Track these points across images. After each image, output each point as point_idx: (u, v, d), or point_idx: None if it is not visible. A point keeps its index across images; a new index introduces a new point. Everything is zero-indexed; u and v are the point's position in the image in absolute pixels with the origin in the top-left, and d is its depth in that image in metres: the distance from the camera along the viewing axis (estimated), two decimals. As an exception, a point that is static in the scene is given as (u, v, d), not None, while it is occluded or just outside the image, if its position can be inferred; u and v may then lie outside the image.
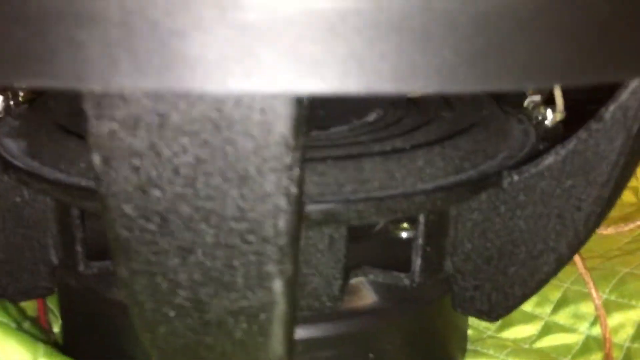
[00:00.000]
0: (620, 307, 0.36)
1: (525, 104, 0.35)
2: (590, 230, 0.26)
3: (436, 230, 0.28)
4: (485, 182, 0.26)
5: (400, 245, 0.31)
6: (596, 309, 0.36)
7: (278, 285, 0.19)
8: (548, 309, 0.38)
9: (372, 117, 0.33)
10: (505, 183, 0.27)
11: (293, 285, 0.20)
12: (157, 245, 0.18)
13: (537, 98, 0.35)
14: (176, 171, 0.17)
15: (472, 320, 0.35)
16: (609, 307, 0.36)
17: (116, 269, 0.19)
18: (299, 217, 0.19)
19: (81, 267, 0.28)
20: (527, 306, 0.39)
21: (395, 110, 0.34)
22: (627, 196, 0.56)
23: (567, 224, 0.26)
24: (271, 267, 0.19)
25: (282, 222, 0.18)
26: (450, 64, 0.15)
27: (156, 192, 0.17)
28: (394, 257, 0.30)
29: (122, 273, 0.19)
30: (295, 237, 0.19)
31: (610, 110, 0.24)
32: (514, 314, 0.39)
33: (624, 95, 0.23)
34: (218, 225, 0.18)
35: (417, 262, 0.28)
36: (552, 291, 0.38)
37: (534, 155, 0.27)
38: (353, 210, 0.24)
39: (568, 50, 0.15)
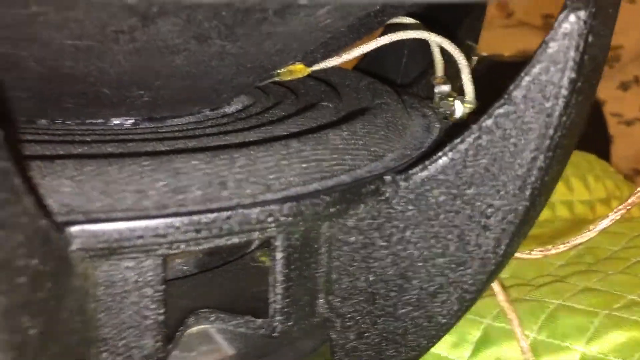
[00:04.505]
0: (551, 349, 0.29)
1: (435, 96, 0.29)
2: (502, 257, 0.18)
3: (302, 258, 0.20)
4: (361, 191, 0.19)
5: (258, 279, 0.23)
6: (522, 352, 0.29)
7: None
8: (466, 351, 0.31)
9: (234, 107, 0.26)
10: (388, 192, 0.19)
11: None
12: None
13: (446, 88, 0.28)
14: None
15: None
16: (539, 350, 0.29)
17: None
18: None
19: None
20: (441, 348, 0.32)
21: (267, 99, 0.27)
22: (560, 210, 0.50)
23: (472, 248, 0.19)
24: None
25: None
26: None
27: None
28: (251, 295, 0.23)
29: None
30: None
31: (522, 86, 0.17)
32: (425, 358, 0.32)
33: (541, 64, 0.16)
34: None
35: (276, 303, 0.21)
36: (471, 329, 0.31)
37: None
38: (152, 234, 0.16)
39: None
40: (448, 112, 0.28)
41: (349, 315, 0.21)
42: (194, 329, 0.21)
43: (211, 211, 0.16)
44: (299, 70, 0.26)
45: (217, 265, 0.25)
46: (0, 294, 0.11)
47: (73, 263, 0.15)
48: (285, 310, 0.21)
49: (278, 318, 0.21)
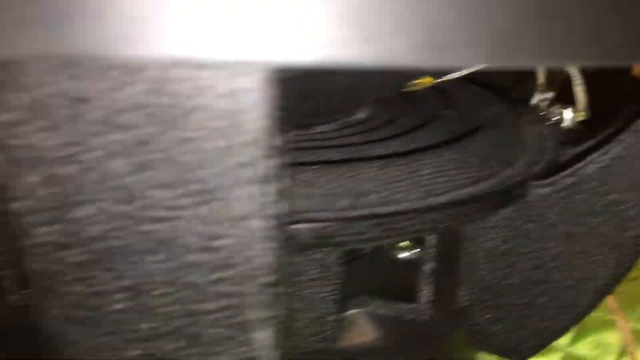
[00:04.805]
0: (651, 337, 0.32)
1: (535, 102, 0.31)
2: (637, 257, 0.21)
3: (448, 253, 0.23)
4: (509, 195, 0.22)
5: (403, 269, 0.26)
6: (623, 339, 0.31)
7: (262, 338, 0.15)
8: (566, 338, 0.33)
9: (360, 114, 0.29)
10: (533, 196, 0.22)
11: (283, 336, 0.15)
12: (91, 285, 0.14)
13: (548, 95, 0.30)
14: (107, 182, 0.12)
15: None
16: (638, 338, 0.32)
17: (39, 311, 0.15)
18: (283, 244, 0.14)
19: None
20: (543, 336, 0.34)
21: (386, 107, 0.30)
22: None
23: (610, 249, 0.21)
24: (251, 314, 0.14)
25: (261, 253, 0.13)
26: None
27: (80, 211, 0.12)
28: (398, 283, 0.26)
29: (47, 318, 0.14)
30: (281, 270, 0.14)
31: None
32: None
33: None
34: (170, 259, 0.13)
35: (425, 291, 0.23)
36: (571, 318, 0.34)
37: (558, 163, 0.23)
38: (350, 231, 0.19)
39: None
40: (555, 119, 0.30)
41: (487, 304, 0.24)
42: (351, 312, 0.24)
43: (396, 213, 0.19)
44: (427, 81, 0.28)
45: (356, 257, 0.28)
46: (276, 284, 0.14)
47: (285, 256, 0.18)
48: (432, 298, 0.23)
49: (425, 305, 0.23)
